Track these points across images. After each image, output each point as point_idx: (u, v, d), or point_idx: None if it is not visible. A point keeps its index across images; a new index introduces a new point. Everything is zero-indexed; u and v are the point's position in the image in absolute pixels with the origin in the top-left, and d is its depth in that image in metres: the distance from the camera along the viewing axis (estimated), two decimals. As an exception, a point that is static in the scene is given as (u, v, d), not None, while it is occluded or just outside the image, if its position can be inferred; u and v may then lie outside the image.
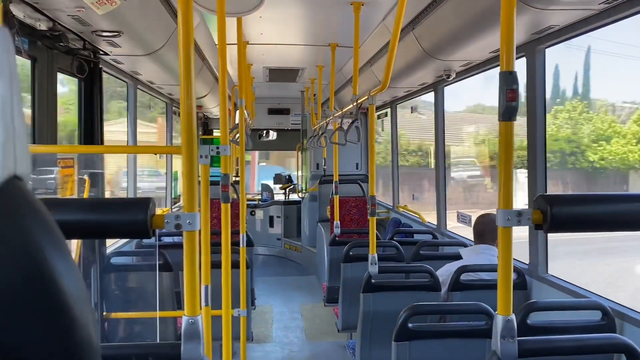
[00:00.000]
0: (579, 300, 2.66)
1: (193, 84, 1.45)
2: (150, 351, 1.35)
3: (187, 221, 1.34)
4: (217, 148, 2.12)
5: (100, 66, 3.67)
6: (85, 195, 3.51)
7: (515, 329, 1.43)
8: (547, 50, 3.17)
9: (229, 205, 2.39)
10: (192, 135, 1.42)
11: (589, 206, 1.45)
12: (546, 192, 3.15)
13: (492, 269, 3.10)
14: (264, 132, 9.61)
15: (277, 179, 10.67)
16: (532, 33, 2.98)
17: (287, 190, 10.23)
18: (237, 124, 4.03)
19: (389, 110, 6.94)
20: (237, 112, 3.72)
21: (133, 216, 1.25)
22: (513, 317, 1.44)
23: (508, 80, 1.43)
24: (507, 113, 1.44)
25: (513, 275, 3.13)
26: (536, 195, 1.50)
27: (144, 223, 1.24)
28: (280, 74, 6.77)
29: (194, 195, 1.40)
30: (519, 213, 1.43)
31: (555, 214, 1.39)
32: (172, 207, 6.49)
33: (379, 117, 7.53)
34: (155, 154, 6.33)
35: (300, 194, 9.41)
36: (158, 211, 1.33)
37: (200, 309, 1.86)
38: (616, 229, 1.55)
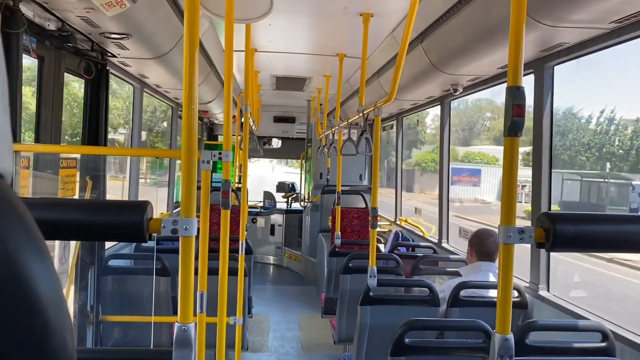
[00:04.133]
0: (579, 322, 2.62)
1: (196, 87, 1.44)
2: (140, 357, 1.33)
3: (184, 226, 1.33)
4: (220, 154, 2.10)
5: (107, 68, 3.68)
6: (87, 196, 3.51)
7: (513, 349, 1.40)
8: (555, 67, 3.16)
9: (228, 212, 2.37)
10: (192, 139, 1.40)
11: (592, 226, 1.43)
12: (550, 210, 3.12)
13: (493, 286, 3.07)
14: (268, 139, 9.63)
15: (280, 187, 10.66)
16: (541, 50, 2.97)
17: (290, 199, 10.21)
18: (240, 128, 4.03)
19: (394, 122, 6.93)
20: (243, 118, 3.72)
21: (129, 219, 1.23)
22: (511, 336, 1.41)
23: (515, 95, 1.41)
24: (513, 128, 1.42)
25: (513, 294, 3.11)
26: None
27: (140, 226, 1.22)
28: (287, 82, 6.78)
29: (192, 200, 1.38)
30: (521, 230, 1.41)
31: (559, 233, 1.37)
32: (173, 211, 6.48)
33: (384, 128, 7.52)
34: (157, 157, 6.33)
35: (302, 203, 9.39)
36: (157, 215, 1.32)
37: (196, 315, 1.84)
38: (619, 250, 1.53)
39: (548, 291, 3.16)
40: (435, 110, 5.34)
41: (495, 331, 1.42)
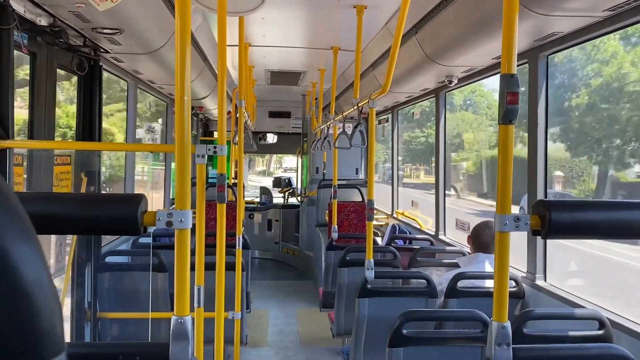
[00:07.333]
0: (576, 310, 2.63)
1: (188, 81, 1.43)
2: (138, 350, 1.33)
3: (179, 219, 1.32)
4: (214, 148, 2.09)
5: (100, 64, 3.66)
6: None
7: (510, 336, 1.40)
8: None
9: (224, 205, 2.37)
10: (186, 132, 1.40)
11: (588, 212, 1.43)
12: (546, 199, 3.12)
13: (490, 276, 3.08)
14: (263, 135, 9.62)
15: (277, 182, 10.65)
16: (535, 40, 2.96)
17: (286, 194, 10.21)
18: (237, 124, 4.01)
19: (389, 115, 6.93)
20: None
21: (124, 212, 1.23)
22: (508, 324, 1.41)
23: (509, 82, 1.40)
24: (507, 116, 1.41)
25: (510, 283, 3.11)
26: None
27: (134, 219, 1.22)
28: (282, 77, 6.75)
29: (186, 193, 1.37)
30: (517, 218, 1.40)
31: (554, 220, 1.37)
32: (170, 207, 6.47)
33: (379, 122, 7.52)
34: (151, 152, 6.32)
35: (299, 198, 9.39)
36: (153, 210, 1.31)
37: (193, 310, 1.83)
38: (615, 237, 1.53)
39: (545, 281, 3.17)
40: None
41: (492, 319, 1.42)
